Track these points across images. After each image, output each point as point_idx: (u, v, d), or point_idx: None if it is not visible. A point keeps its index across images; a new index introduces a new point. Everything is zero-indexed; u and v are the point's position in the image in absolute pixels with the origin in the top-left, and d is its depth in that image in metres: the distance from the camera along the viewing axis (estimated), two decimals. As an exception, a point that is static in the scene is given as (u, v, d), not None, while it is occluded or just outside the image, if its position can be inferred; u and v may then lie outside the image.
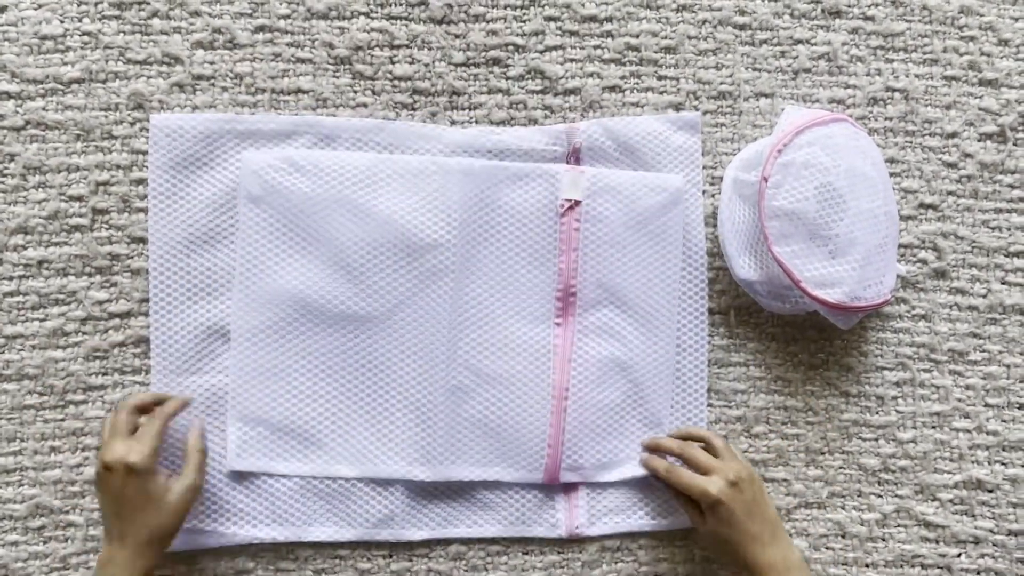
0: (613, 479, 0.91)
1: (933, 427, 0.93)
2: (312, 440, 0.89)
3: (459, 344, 0.89)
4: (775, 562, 0.80)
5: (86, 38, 0.89)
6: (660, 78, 0.93)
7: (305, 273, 0.88)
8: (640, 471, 0.90)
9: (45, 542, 0.89)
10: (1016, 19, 0.94)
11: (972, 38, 0.94)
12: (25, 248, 0.89)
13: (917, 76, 0.94)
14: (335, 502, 0.89)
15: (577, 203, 0.90)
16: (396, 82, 0.91)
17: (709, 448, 0.86)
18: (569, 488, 0.91)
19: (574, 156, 0.91)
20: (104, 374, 0.89)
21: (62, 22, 0.89)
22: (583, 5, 0.92)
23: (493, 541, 0.91)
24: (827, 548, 0.92)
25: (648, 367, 0.90)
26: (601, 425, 0.90)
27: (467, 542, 0.91)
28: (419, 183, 0.89)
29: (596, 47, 0.92)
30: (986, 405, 0.93)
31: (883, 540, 0.93)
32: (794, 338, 0.93)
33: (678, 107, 0.93)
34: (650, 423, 0.91)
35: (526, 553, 0.91)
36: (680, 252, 0.91)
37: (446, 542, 0.91)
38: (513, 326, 0.90)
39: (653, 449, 0.89)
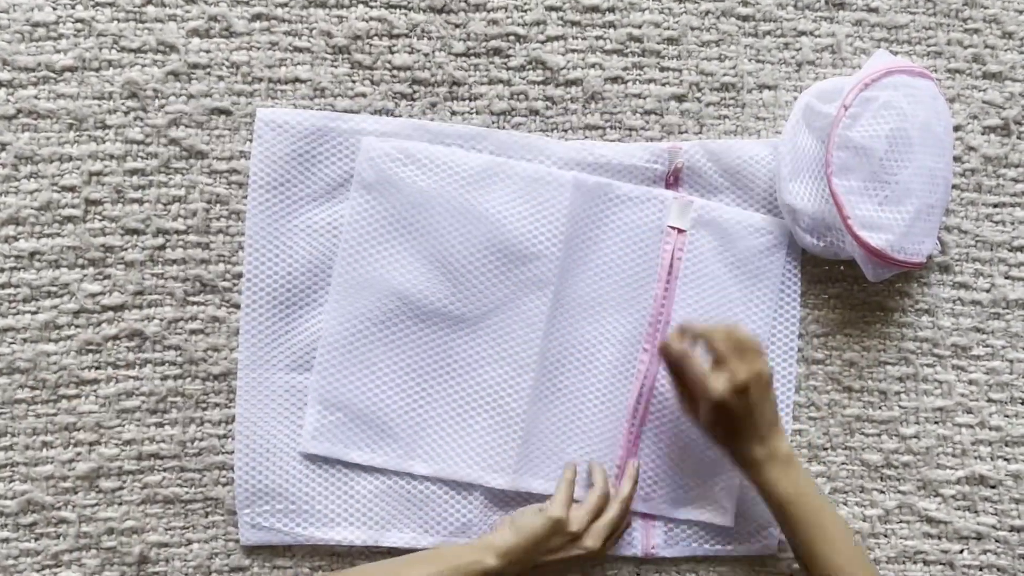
0: (681, 517, 0.90)
1: (936, 422, 0.93)
2: (389, 433, 0.88)
3: (547, 356, 0.89)
4: (759, 456, 0.80)
5: (79, 25, 0.87)
6: (662, 69, 0.92)
7: (406, 265, 0.88)
8: (715, 518, 0.89)
9: (36, 539, 0.88)
10: (1021, 12, 0.94)
11: (976, 31, 0.93)
12: (16, 239, 0.87)
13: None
14: (414, 507, 0.89)
15: (681, 232, 0.90)
16: (395, 72, 0.90)
17: (730, 340, 0.81)
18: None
19: (674, 175, 0.91)
20: (97, 368, 0.88)
21: (55, 9, 0.87)
22: (585, -5, 0.91)
23: None
24: (829, 544, 0.92)
25: None
26: (675, 458, 0.90)
27: None
28: (531, 190, 0.88)
29: (598, 38, 0.91)
30: (989, 400, 0.93)
31: (885, 536, 0.92)
32: (797, 333, 0.92)
33: (680, 99, 0.92)
34: (727, 465, 0.88)
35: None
36: (776, 297, 0.91)
37: None
38: (601, 346, 0.90)
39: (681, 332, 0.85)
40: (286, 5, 0.89)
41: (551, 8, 0.91)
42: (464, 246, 0.88)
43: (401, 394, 0.89)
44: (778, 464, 0.80)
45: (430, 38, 0.90)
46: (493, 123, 0.91)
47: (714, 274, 0.90)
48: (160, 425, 0.88)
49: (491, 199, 0.88)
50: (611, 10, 0.91)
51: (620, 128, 0.91)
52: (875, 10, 0.93)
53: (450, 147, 0.89)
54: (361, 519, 0.88)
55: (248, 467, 0.88)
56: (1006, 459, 0.93)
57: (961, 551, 0.92)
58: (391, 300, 0.88)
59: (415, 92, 0.90)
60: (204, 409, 0.89)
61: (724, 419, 0.80)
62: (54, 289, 0.87)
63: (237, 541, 0.89)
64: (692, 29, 0.92)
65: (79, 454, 0.88)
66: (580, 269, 0.90)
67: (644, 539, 0.90)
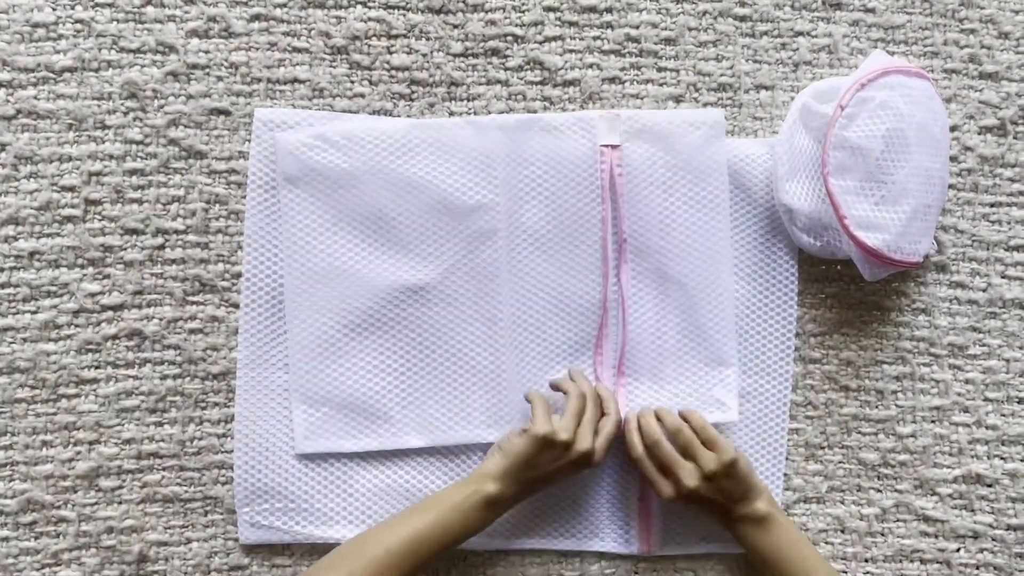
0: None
1: (933, 421, 0.93)
2: (379, 414, 0.89)
3: (512, 302, 0.89)
4: (735, 517, 0.83)
5: (79, 26, 0.88)
6: (660, 70, 0.92)
7: (353, 248, 0.88)
8: (719, 416, 0.89)
9: (36, 538, 0.88)
10: (1016, 12, 0.94)
11: (973, 31, 0.94)
12: (16, 239, 0.87)
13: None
14: (412, 503, 0.88)
15: (615, 147, 0.89)
16: (393, 72, 0.90)
17: (699, 433, 0.83)
18: (645, 505, 0.90)
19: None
20: (96, 367, 0.88)
21: (54, 9, 0.87)
22: (583, -5, 0.91)
23: (564, 554, 0.91)
24: (826, 543, 0.92)
25: (708, 307, 0.89)
26: (666, 370, 0.90)
27: (538, 554, 0.91)
28: (457, 145, 0.88)
29: (596, 38, 0.91)
30: (986, 399, 0.93)
31: (882, 535, 0.92)
32: (794, 332, 0.92)
33: (678, 99, 0.92)
34: (715, 360, 0.89)
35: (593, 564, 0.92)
36: (726, 189, 0.90)
37: (517, 553, 0.91)
38: (562, 279, 0.90)
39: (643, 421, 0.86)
40: (285, 6, 0.89)
41: (549, 8, 0.91)
42: (405, 215, 0.88)
43: (381, 375, 0.89)
44: (751, 524, 0.83)
45: (428, 39, 0.90)
46: (491, 123, 0.91)
47: (658, 181, 0.89)
48: (159, 424, 0.89)
49: (419, 162, 0.88)
50: (609, 10, 0.91)
51: (618, 128, 0.92)
52: (872, 10, 0.93)
53: (364, 121, 0.89)
54: (360, 517, 0.89)
55: (247, 466, 0.88)
56: (1002, 458, 0.93)
57: (958, 549, 0.92)
58: (348, 286, 0.88)
59: (413, 92, 0.90)
60: (203, 408, 0.89)
61: (702, 503, 0.83)
62: (54, 289, 0.88)
63: (236, 540, 0.89)
64: (689, 29, 0.92)
65: (79, 453, 0.88)
66: (524, 209, 0.89)
67: (641, 537, 0.90)
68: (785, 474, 0.92)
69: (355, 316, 0.88)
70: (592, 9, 0.91)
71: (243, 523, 0.88)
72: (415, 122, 0.89)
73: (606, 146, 0.89)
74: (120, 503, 0.88)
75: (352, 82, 0.90)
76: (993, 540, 0.92)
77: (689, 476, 0.81)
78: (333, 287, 0.88)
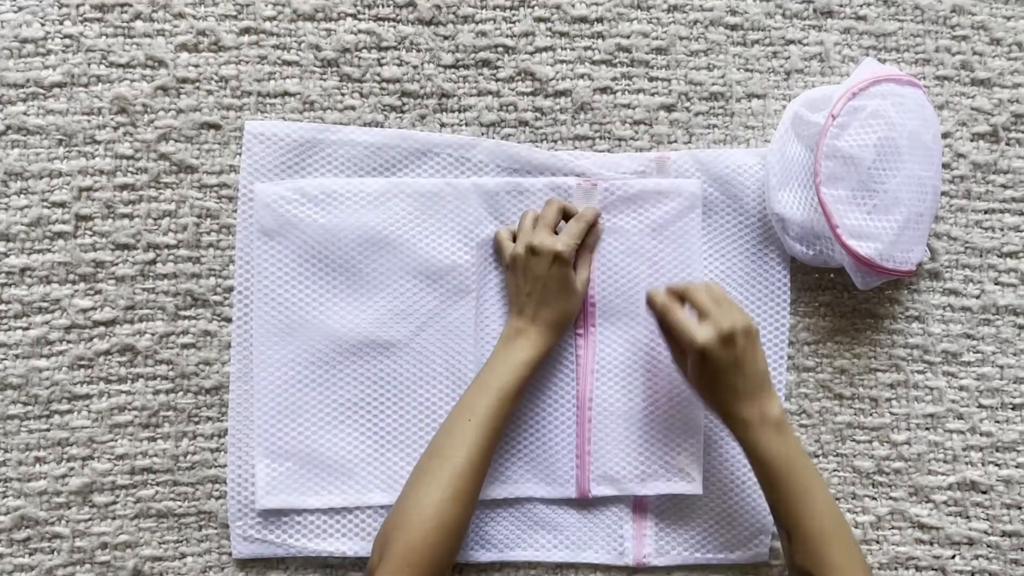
0: (649, 492, 0.89)
1: (927, 429, 0.93)
2: (343, 470, 0.88)
3: (482, 361, 0.88)
4: (750, 417, 0.78)
5: (67, 41, 0.87)
6: (651, 79, 0.92)
7: (325, 303, 0.88)
8: (684, 488, 0.89)
9: (31, 554, 0.88)
10: (1008, 18, 0.94)
11: (964, 37, 0.94)
12: (7, 255, 0.87)
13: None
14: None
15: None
16: (384, 84, 0.90)
17: (711, 295, 0.80)
18: (638, 516, 0.90)
19: None
20: (89, 383, 0.88)
21: (43, 25, 0.87)
22: (573, 6, 0.91)
23: (558, 566, 0.91)
24: (822, 551, 0.92)
25: (673, 374, 0.89)
26: (629, 435, 0.89)
27: (533, 565, 0.91)
28: (433, 205, 0.88)
29: (587, 48, 0.91)
30: (980, 406, 0.93)
31: (877, 543, 0.92)
32: (787, 341, 0.92)
33: (670, 108, 0.92)
34: (684, 431, 0.89)
35: None
36: (701, 256, 0.90)
37: (512, 565, 0.90)
38: None
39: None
40: (274, 19, 0.89)
41: (540, 19, 0.91)
42: (379, 273, 0.88)
43: (346, 431, 0.88)
44: (769, 427, 0.78)
45: (419, 50, 0.90)
46: (482, 134, 0.91)
47: (633, 249, 0.90)
48: (153, 439, 0.89)
49: (395, 221, 0.88)
50: (599, 20, 0.91)
51: (609, 138, 0.92)
52: (863, 18, 0.93)
53: (345, 178, 0.89)
54: (354, 530, 0.89)
55: (241, 480, 0.88)
56: (997, 464, 0.93)
57: (953, 557, 0.92)
58: (317, 340, 0.88)
59: (404, 104, 0.90)
60: (196, 423, 0.89)
61: (711, 372, 0.78)
62: (45, 305, 0.87)
63: (231, 555, 0.89)
64: (681, 39, 0.92)
65: (72, 469, 0.88)
66: (496, 270, 0.90)
67: (635, 548, 0.90)
68: (780, 483, 0.92)
69: (322, 371, 0.88)
70: (583, 19, 0.91)
71: (236, 537, 0.88)
72: (394, 181, 0.89)
73: None
74: (114, 519, 0.88)
75: (343, 94, 0.90)
76: (988, 547, 0.92)
77: (703, 331, 0.77)
78: (302, 340, 0.88)
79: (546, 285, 0.84)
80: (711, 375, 0.78)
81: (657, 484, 0.89)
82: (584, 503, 0.90)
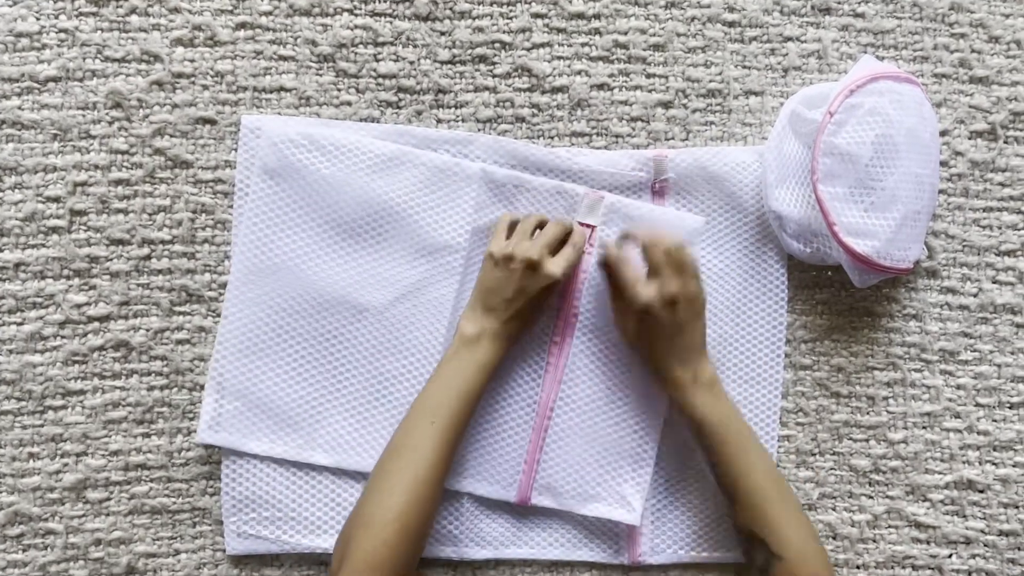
0: (588, 513, 0.89)
1: (924, 427, 0.92)
2: (288, 422, 0.88)
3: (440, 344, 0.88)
4: (683, 377, 0.81)
5: (63, 35, 0.87)
6: (649, 76, 0.92)
7: (309, 254, 0.87)
8: (621, 516, 0.88)
9: (24, 550, 0.87)
10: (1006, 16, 0.94)
11: (963, 35, 0.93)
12: (1, 250, 0.87)
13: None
14: None
15: (592, 228, 0.89)
16: (380, 80, 0.90)
17: (670, 257, 0.81)
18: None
19: (660, 186, 0.90)
20: (83, 379, 0.88)
21: (38, 19, 0.87)
22: (570, 2, 0.90)
23: (554, 563, 0.90)
24: (818, 550, 0.92)
25: (640, 401, 0.89)
26: (582, 453, 0.89)
27: (529, 563, 0.90)
28: (438, 180, 0.88)
29: (584, 44, 0.91)
30: (977, 405, 0.93)
31: (874, 541, 0.92)
32: (784, 339, 0.92)
33: (667, 105, 0.91)
34: (635, 460, 0.89)
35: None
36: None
37: (507, 563, 0.90)
38: None
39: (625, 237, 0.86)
40: (270, 14, 0.89)
41: (537, 15, 0.90)
42: (370, 235, 0.88)
43: (302, 383, 0.88)
44: (701, 388, 0.81)
45: (415, 46, 0.90)
46: (479, 131, 0.91)
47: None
48: (147, 435, 0.88)
49: (398, 188, 0.88)
50: (597, 17, 0.91)
51: (606, 135, 0.91)
52: (861, 15, 0.93)
53: (357, 134, 0.88)
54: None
55: (234, 475, 0.88)
56: (994, 463, 0.93)
57: (950, 556, 0.92)
58: (293, 288, 0.87)
59: (400, 100, 0.90)
60: (191, 419, 0.89)
61: (648, 330, 0.81)
62: (39, 300, 0.87)
63: (224, 551, 0.89)
64: (678, 35, 0.92)
65: (66, 465, 0.88)
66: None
67: (630, 547, 0.90)
68: (776, 481, 0.92)
69: (292, 320, 0.87)
70: (580, 15, 0.91)
71: (230, 533, 0.88)
72: (404, 149, 0.88)
73: (583, 224, 0.89)
74: (108, 515, 0.88)
75: (339, 90, 0.89)
76: (985, 546, 0.92)
77: (647, 289, 0.80)
78: (278, 284, 0.87)
79: (528, 299, 0.83)
80: (649, 333, 0.81)
81: (597, 506, 0.89)
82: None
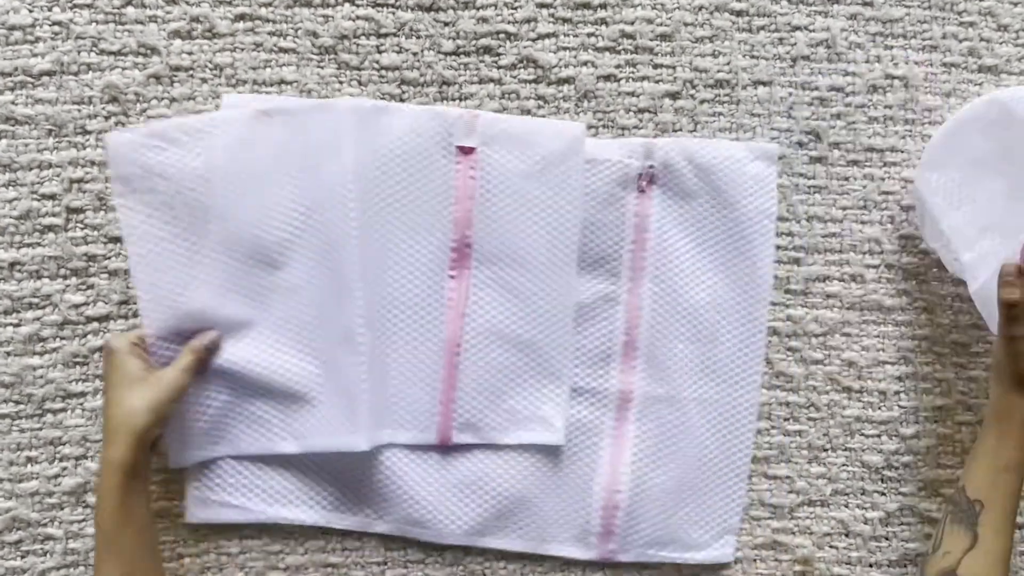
0: (511, 441, 0.87)
1: (936, 421, 0.92)
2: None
3: (355, 295, 0.83)
4: None
5: (56, 28, 0.85)
6: (656, 66, 0.90)
7: (204, 262, 0.82)
8: (544, 437, 0.87)
9: (23, 556, 0.86)
10: (1015, 4, 0.93)
11: (972, 24, 0.92)
12: (-4, 250, 0.85)
13: (917, 63, 0.92)
14: (370, 487, 0.86)
15: (471, 150, 0.87)
16: (383, 72, 0.88)
17: None
18: (608, 512, 0.88)
19: (648, 175, 0.89)
20: (84, 380, 0.86)
21: (31, 11, 0.85)
22: (576, -9, 0.89)
23: (520, 556, 0.89)
24: (831, 547, 0.91)
25: (546, 322, 0.87)
26: (496, 383, 0.87)
27: (500, 555, 0.89)
28: (309, 128, 0.83)
29: (590, 35, 0.90)
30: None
31: (887, 539, 0.91)
32: (795, 333, 0.91)
33: (674, 96, 0.90)
34: (550, 379, 0.87)
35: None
36: (581, 202, 0.87)
37: (478, 551, 0.89)
38: (407, 277, 0.86)
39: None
40: (270, 5, 0.87)
41: (542, 5, 0.89)
42: (261, 214, 0.83)
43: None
44: None
45: (419, 37, 0.88)
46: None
47: (512, 191, 0.87)
48: (148, 438, 0.87)
49: (270, 150, 0.83)
50: (603, 6, 0.89)
51: (613, 127, 0.90)
52: (870, 4, 0.91)
53: (203, 114, 0.85)
54: (316, 499, 0.87)
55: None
56: (1007, 457, 0.92)
57: (963, 550, 0.91)
58: (206, 298, 0.82)
59: (404, 92, 0.88)
60: (193, 420, 0.87)
61: None
62: (36, 301, 0.85)
63: (229, 555, 0.87)
64: (685, 25, 0.90)
65: (65, 469, 0.86)
66: (377, 202, 0.85)
67: (599, 543, 0.89)
68: (789, 477, 0.91)
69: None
70: (586, 5, 0.89)
71: (193, 499, 0.85)
72: (265, 106, 0.84)
73: (462, 147, 0.87)
74: (108, 519, 0.86)
75: (341, 83, 0.88)
76: (998, 540, 0.91)
77: None
78: (187, 303, 0.82)
79: (106, 388, 0.77)
80: None
81: (520, 434, 0.87)
82: (548, 492, 0.88)
